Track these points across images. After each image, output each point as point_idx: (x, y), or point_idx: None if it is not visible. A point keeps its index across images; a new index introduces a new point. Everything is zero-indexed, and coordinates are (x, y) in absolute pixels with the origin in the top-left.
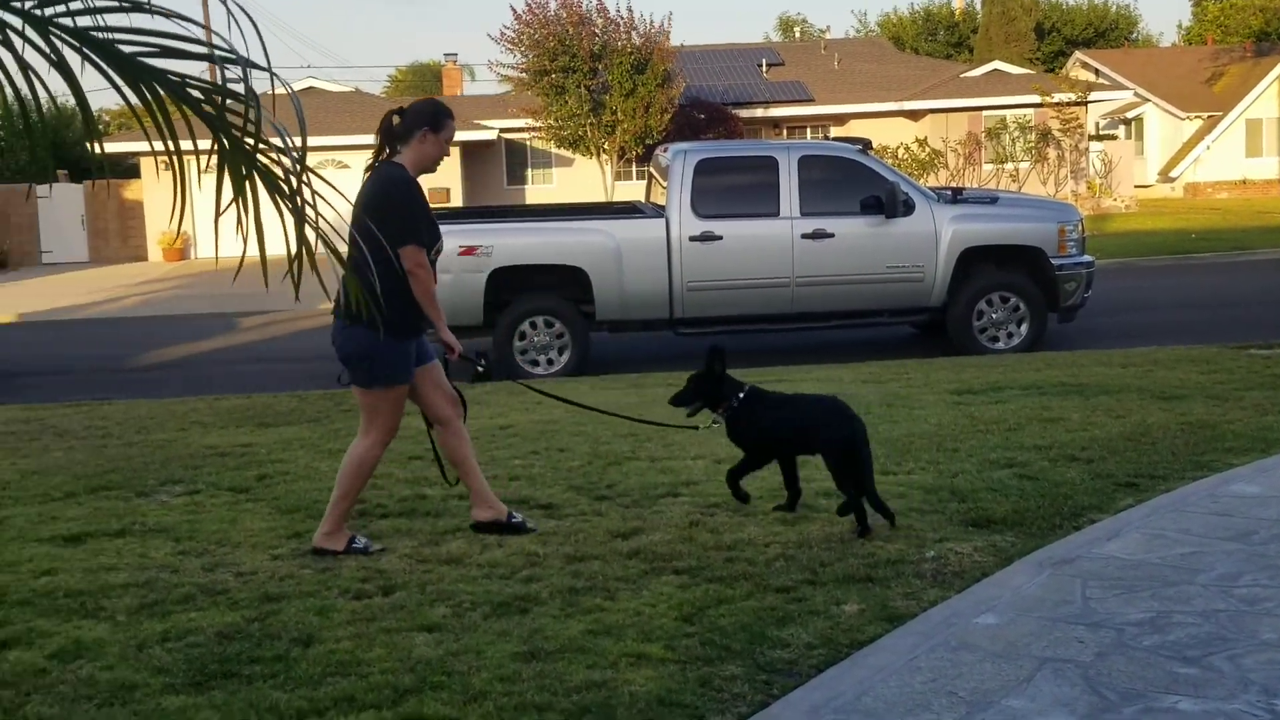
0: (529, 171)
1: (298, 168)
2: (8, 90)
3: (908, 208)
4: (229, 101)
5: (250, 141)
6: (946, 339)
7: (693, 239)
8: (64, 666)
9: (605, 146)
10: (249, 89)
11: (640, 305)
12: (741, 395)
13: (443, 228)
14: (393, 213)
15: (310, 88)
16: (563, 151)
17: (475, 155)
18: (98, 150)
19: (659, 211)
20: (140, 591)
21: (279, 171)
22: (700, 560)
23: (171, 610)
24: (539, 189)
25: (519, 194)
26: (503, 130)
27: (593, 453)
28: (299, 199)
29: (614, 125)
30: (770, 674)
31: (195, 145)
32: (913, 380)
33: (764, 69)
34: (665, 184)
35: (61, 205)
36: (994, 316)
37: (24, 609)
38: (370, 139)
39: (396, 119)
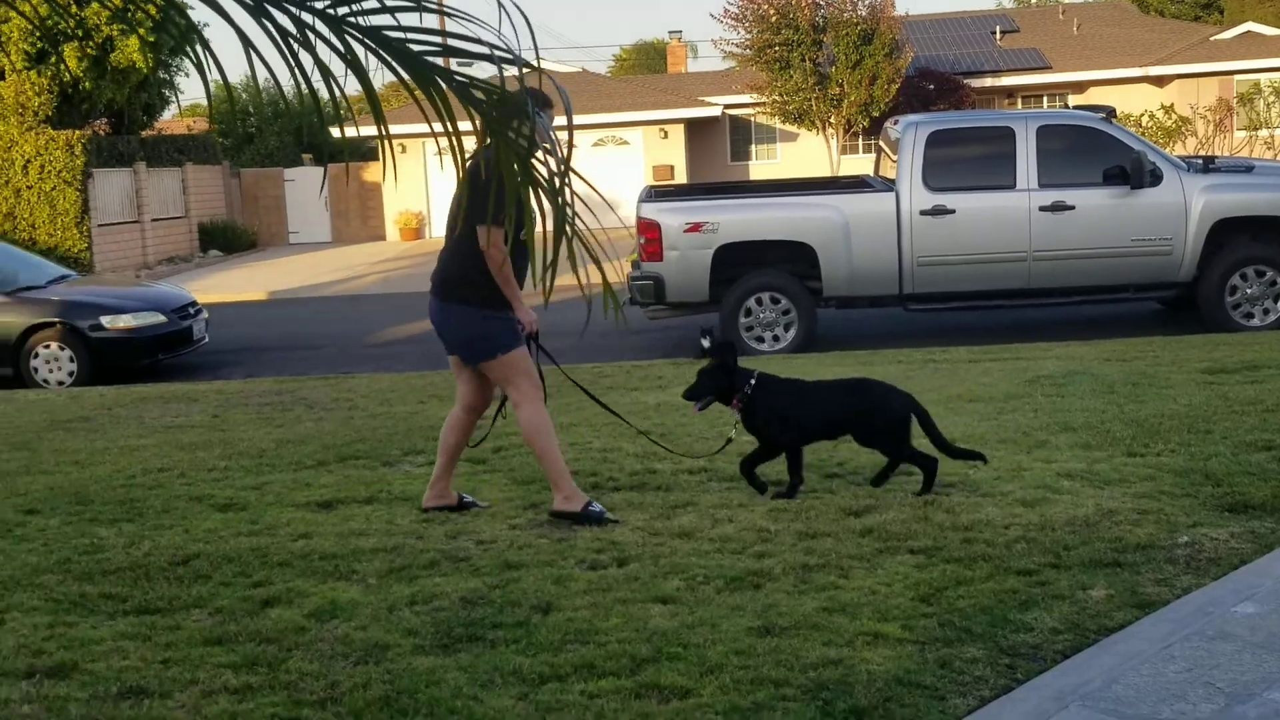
0: (753, 147)
1: (562, 169)
2: (283, 84)
3: (1155, 178)
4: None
5: (523, 143)
6: (1195, 315)
7: (924, 213)
8: (321, 625)
9: (830, 120)
10: (524, 92)
11: (869, 281)
12: (752, 383)
13: (669, 205)
14: (482, 193)
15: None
16: (787, 126)
17: (699, 132)
18: (348, 137)
19: (889, 185)
20: (388, 556)
21: (544, 173)
22: (936, 540)
23: (418, 575)
24: (763, 165)
25: (742, 170)
26: (726, 106)
27: None
28: (562, 201)
29: (839, 98)
30: (1013, 658)
31: (448, 129)
32: (1160, 358)
33: (997, 36)
34: (895, 157)
35: (306, 188)
36: (1248, 292)
37: (283, 570)
38: (602, 118)
39: None
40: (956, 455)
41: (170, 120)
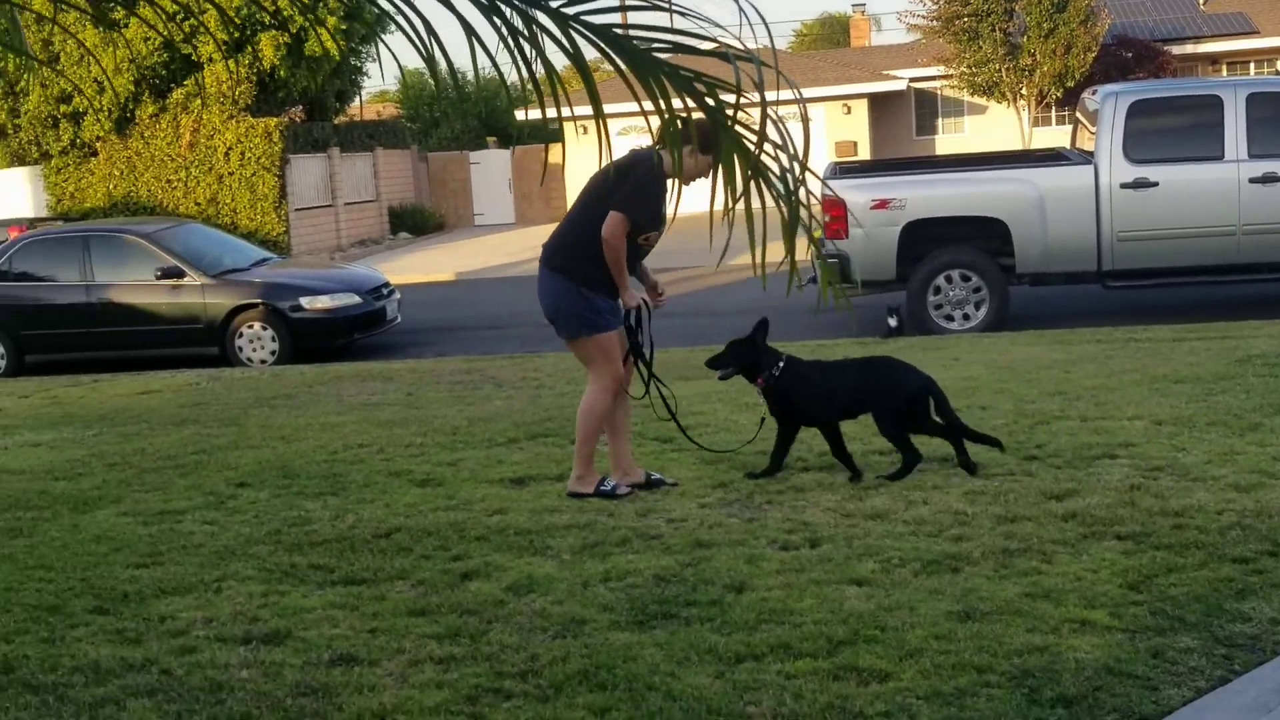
0: (939, 121)
1: (795, 166)
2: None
3: None
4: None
5: (751, 137)
6: None
7: (1124, 186)
8: (518, 599)
9: (1022, 91)
10: (761, 87)
11: (1065, 257)
12: (781, 365)
13: (854, 182)
14: (627, 184)
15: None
16: (975, 99)
17: (883, 106)
18: (543, 119)
19: (1086, 158)
20: (581, 533)
21: (774, 168)
22: (1145, 526)
23: (610, 552)
24: (950, 139)
25: (928, 145)
26: (912, 80)
27: (1017, 411)
28: (794, 198)
29: (1031, 68)
30: (1230, 648)
31: (663, 115)
32: None
33: (1200, 0)
34: (1094, 129)
35: (491, 171)
36: None
37: (480, 544)
38: (783, 94)
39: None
40: (976, 439)
41: (360, 106)
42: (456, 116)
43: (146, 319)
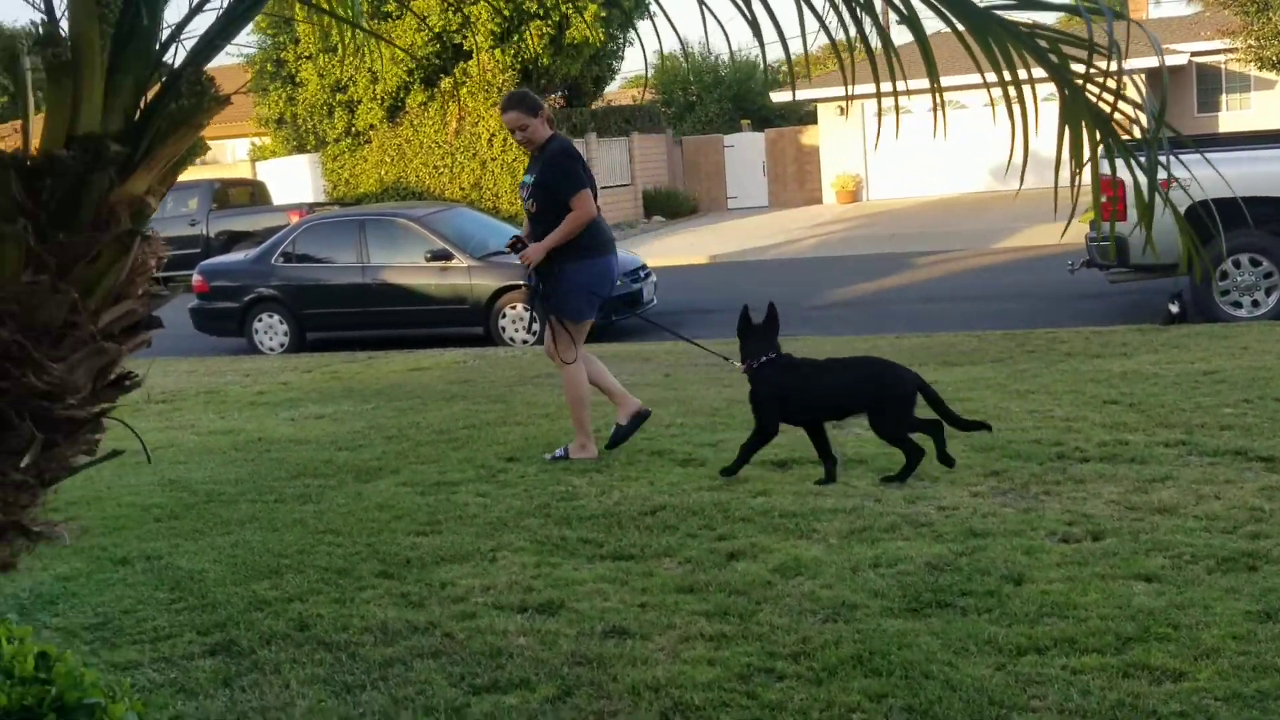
0: (1223, 97)
1: (1154, 125)
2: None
3: None
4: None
5: (1102, 95)
6: None
7: None
8: (786, 580)
9: None
10: (1113, 43)
11: None
12: (769, 357)
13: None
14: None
15: None
16: (1264, 74)
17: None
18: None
19: None
20: (848, 517)
21: (1133, 131)
22: None
23: (879, 538)
24: (1234, 116)
25: (1210, 122)
26: (1193, 54)
27: None
28: (1154, 159)
29: None
30: None
31: (1003, 79)
32: None
33: None
34: None
35: (745, 154)
36: None
37: (745, 525)
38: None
39: None
40: (964, 427)
41: (616, 91)
42: (710, 100)
43: (417, 299)
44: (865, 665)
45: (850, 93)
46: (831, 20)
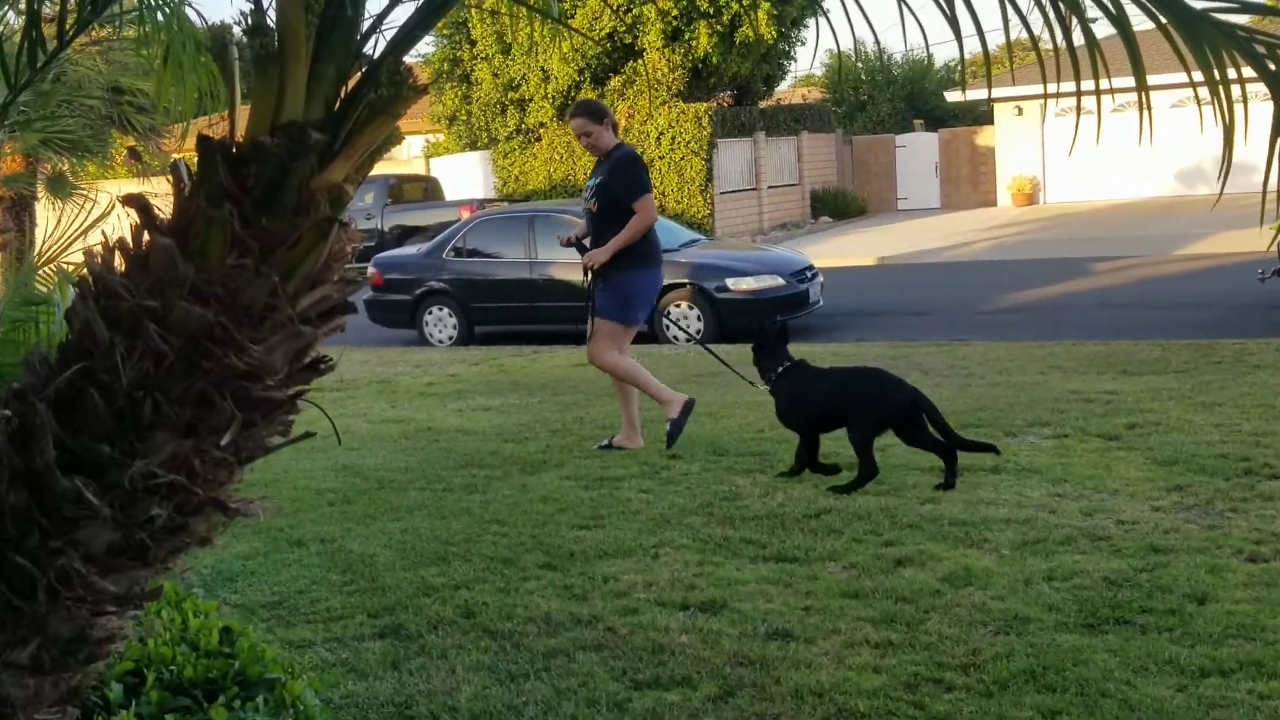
0: None
1: None
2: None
3: None
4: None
5: None
6: None
7: None
8: (955, 590)
9: None
10: None
11: None
12: (786, 366)
13: None
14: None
15: None
16: None
17: None
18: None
19: None
20: (1020, 528)
21: None
22: None
23: (1054, 550)
24: None
25: None
26: None
27: None
28: None
29: None
30: None
31: (1214, 79)
32: None
33: None
34: None
35: (917, 154)
36: None
37: (913, 531)
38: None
39: None
40: (969, 447)
41: (786, 90)
42: (883, 99)
43: (582, 295)
44: (1038, 680)
45: (1050, 92)
46: (1034, 18)
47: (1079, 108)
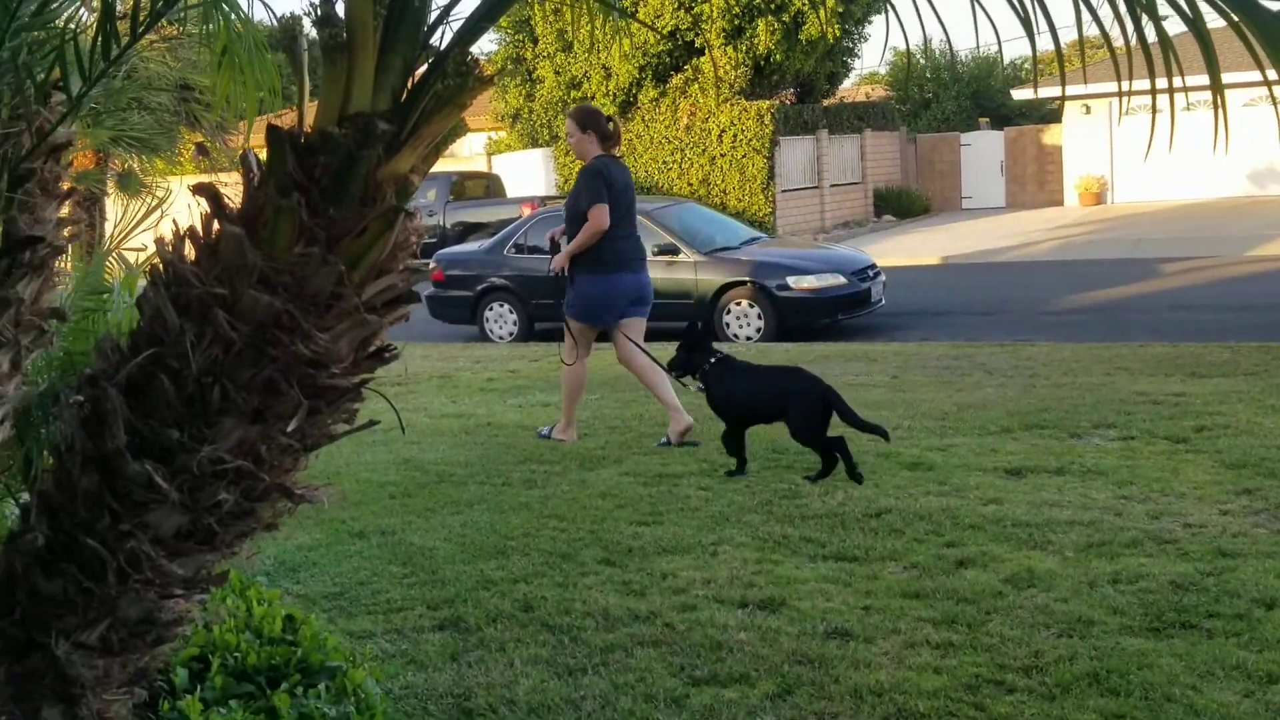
0: None
1: None
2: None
3: None
4: None
5: None
6: None
7: None
8: (1018, 592)
9: None
10: None
11: None
12: (713, 361)
13: None
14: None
15: None
16: None
17: None
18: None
19: None
20: (1085, 530)
21: None
22: None
23: (1119, 553)
24: None
25: None
26: None
27: None
28: None
29: None
30: None
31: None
32: None
33: None
34: None
35: (982, 152)
36: None
37: (975, 532)
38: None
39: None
40: (864, 429)
41: (850, 88)
42: (948, 96)
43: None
44: (1102, 684)
45: (1122, 90)
46: (1104, 12)
47: (1154, 108)
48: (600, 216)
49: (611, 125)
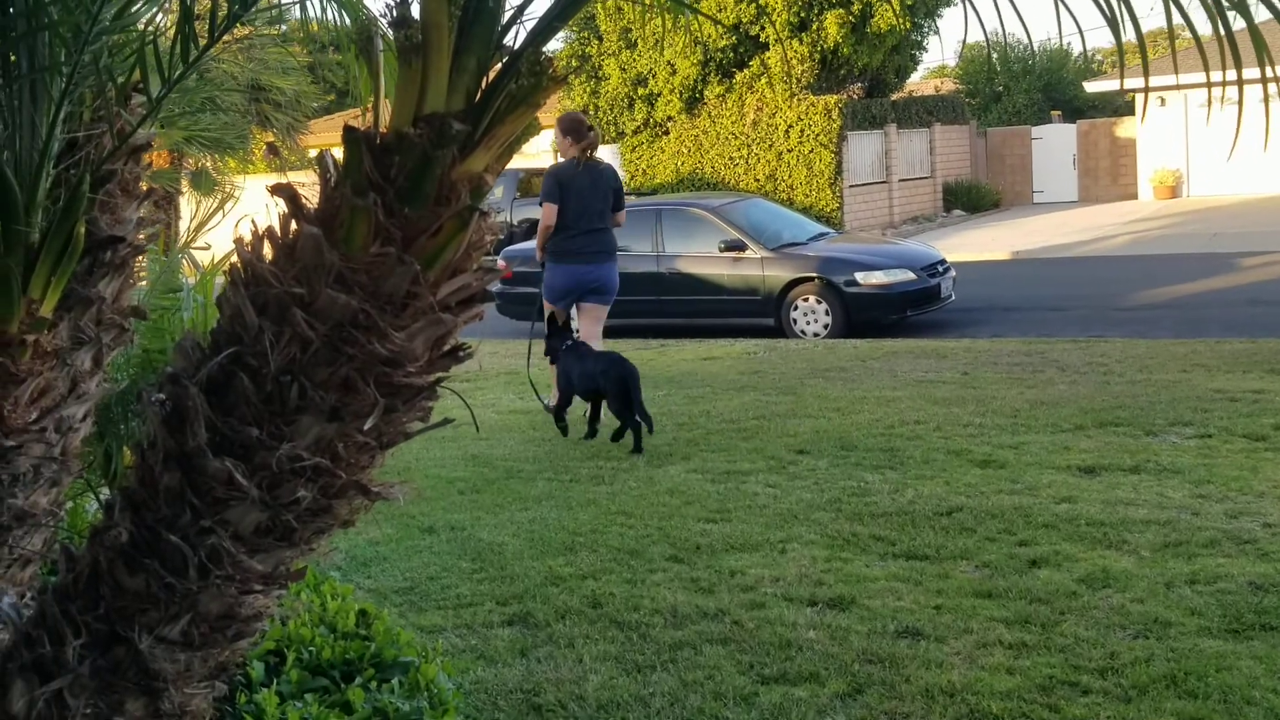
0: None
1: None
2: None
3: None
4: None
5: None
6: None
7: None
8: (1092, 592)
9: None
10: None
11: None
12: (566, 345)
13: None
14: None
15: None
16: None
17: None
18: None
19: None
20: (1161, 530)
21: None
22: None
23: (1196, 553)
24: None
25: None
26: None
27: None
28: None
29: None
30: None
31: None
32: None
33: None
34: None
35: (1054, 146)
36: None
37: (1048, 531)
38: None
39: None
40: (646, 420)
41: (918, 82)
42: (1019, 90)
43: (709, 289)
44: (1179, 686)
45: (1223, 79)
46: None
47: (1241, 102)
48: (545, 214)
49: (592, 133)
